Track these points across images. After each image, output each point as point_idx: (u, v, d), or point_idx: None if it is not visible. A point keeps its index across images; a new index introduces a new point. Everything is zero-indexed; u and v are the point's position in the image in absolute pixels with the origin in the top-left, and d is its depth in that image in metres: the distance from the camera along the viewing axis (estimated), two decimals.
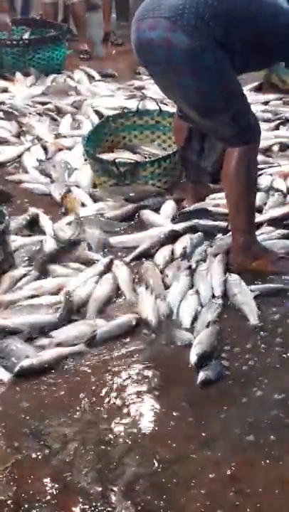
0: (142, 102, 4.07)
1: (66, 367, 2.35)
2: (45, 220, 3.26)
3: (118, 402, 2.18)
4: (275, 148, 3.91)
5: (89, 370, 2.33)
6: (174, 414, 2.12)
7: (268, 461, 1.93)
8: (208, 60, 2.49)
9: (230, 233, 2.89)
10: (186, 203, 3.34)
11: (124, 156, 3.66)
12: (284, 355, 2.35)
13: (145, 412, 2.14)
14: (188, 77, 2.54)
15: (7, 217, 2.87)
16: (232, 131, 2.63)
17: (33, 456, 1.97)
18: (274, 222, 3.12)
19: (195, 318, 2.56)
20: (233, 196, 2.74)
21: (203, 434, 2.03)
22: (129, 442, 2.01)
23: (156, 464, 1.93)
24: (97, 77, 5.35)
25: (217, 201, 3.27)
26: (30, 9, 6.73)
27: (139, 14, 2.61)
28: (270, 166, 3.63)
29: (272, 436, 2.02)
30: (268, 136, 3.94)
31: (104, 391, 2.23)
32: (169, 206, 3.32)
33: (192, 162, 3.07)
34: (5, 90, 5.03)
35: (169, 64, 2.55)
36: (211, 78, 2.54)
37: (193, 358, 2.31)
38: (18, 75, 5.19)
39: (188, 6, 2.44)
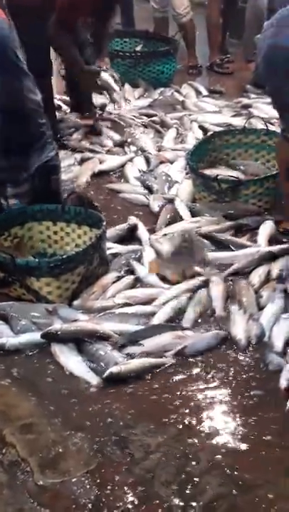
0: (248, 120, 4.05)
1: (153, 377, 2.36)
2: (142, 231, 3.30)
3: (203, 418, 2.17)
4: None
5: (176, 383, 2.33)
6: (261, 437, 2.08)
7: None
8: None
9: None
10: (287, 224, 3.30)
11: (227, 173, 3.66)
12: None
13: (230, 431, 2.11)
14: None
15: (104, 223, 2.93)
16: None
17: (116, 462, 1.99)
18: None
19: (288, 343, 2.50)
20: None
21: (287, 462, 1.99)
22: (213, 460, 1.99)
23: (238, 486, 1.89)
24: (205, 92, 5.37)
25: None
26: (132, 23, 6.81)
27: (280, 21, 2.59)
28: None
29: None
30: None
31: (189, 406, 2.22)
32: (267, 227, 3.29)
33: None
34: (113, 101, 5.13)
35: None
36: None
37: (283, 383, 2.27)
38: (127, 86, 5.28)
39: None
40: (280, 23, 2.57)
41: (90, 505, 1.84)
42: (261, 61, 2.68)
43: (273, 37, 2.57)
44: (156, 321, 2.67)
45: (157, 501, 1.85)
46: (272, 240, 3.17)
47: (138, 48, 5.71)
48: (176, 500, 1.85)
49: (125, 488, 1.90)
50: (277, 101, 2.82)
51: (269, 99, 4.94)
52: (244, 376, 2.36)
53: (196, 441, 2.07)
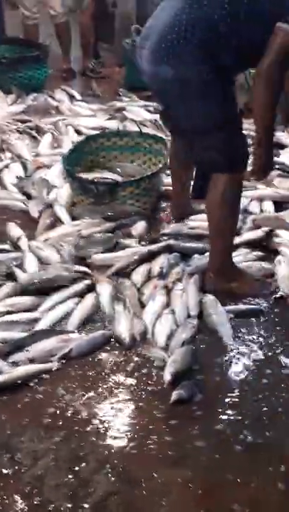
0: (122, 123, 4.11)
1: (39, 382, 2.34)
2: (21, 238, 3.26)
3: (90, 419, 2.17)
4: None
5: (63, 387, 2.32)
6: (147, 432, 2.12)
7: (238, 480, 1.94)
8: (194, 86, 2.50)
9: (208, 254, 2.92)
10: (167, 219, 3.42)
11: (104, 175, 3.69)
12: (257, 378, 2.37)
13: (117, 429, 2.14)
14: (177, 104, 2.57)
15: None
16: (222, 157, 2.59)
17: (4, 471, 1.96)
18: (250, 245, 3.16)
19: (170, 338, 2.56)
20: (216, 220, 2.75)
21: (175, 453, 2.03)
22: (101, 459, 2.00)
23: (127, 482, 1.92)
24: (78, 96, 5.39)
25: (196, 223, 3.30)
26: (3, 30, 6.72)
27: (139, 41, 2.68)
28: (247, 190, 3.68)
29: (243, 456, 2.02)
30: None
31: (76, 408, 2.22)
32: (140, 226, 3.36)
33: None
34: None
35: (160, 92, 2.62)
36: (199, 102, 2.53)
37: (167, 376, 2.31)
38: None
39: (169, 32, 2.47)
40: (138, 45, 2.67)
41: None
42: None
43: (137, 60, 2.67)
44: (40, 326, 2.65)
45: (48, 507, 1.84)
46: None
47: (8, 55, 5.62)
48: (68, 504, 1.85)
49: (15, 496, 1.87)
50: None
51: (141, 102, 5.11)
52: (130, 374, 2.39)
53: (85, 442, 2.07)
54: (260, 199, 3.60)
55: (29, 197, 3.71)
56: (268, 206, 3.54)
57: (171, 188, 3.66)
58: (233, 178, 2.64)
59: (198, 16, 2.44)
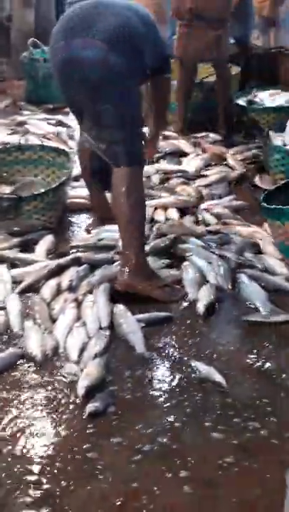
0: (24, 137, 4.08)
1: None
2: None
3: (3, 440, 2.12)
4: (156, 181, 4.04)
5: None
6: (62, 447, 2.09)
7: (155, 489, 1.94)
8: (130, 79, 2.76)
9: (116, 264, 2.94)
10: (91, 226, 3.44)
11: (7, 190, 3.64)
12: (169, 384, 2.39)
13: (32, 447, 2.10)
14: (120, 91, 2.73)
15: None
16: (127, 150, 2.77)
17: None
18: (157, 252, 3.20)
19: (82, 351, 2.55)
20: (123, 215, 2.80)
21: (91, 466, 2.02)
22: (16, 480, 1.96)
23: (44, 499, 1.89)
24: None
25: (105, 234, 3.32)
26: None
27: (65, 33, 2.75)
28: (152, 198, 3.74)
29: (159, 465, 2.03)
30: (149, 170, 4.09)
31: None
32: (47, 241, 3.35)
33: (100, 172, 3.14)
34: None
35: (95, 81, 2.71)
36: (128, 96, 2.78)
37: (80, 390, 2.30)
38: None
39: (119, 27, 2.69)
40: (64, 36, 2.74)
41: None
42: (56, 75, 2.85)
43: (64, 49, 2.74)
44: None
45: None
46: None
47: None
48: None
49: None
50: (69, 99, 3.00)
51: (43, 115, 5.09)
52: (43, 391, 2.36)
53: (4, 464, 2.03)
54: (165, 207, 3.66)
55: None
56: (172, 213, 3.61)
57: (80, 200, 3.70)
58: (137, 171, 2.84)
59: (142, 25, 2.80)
